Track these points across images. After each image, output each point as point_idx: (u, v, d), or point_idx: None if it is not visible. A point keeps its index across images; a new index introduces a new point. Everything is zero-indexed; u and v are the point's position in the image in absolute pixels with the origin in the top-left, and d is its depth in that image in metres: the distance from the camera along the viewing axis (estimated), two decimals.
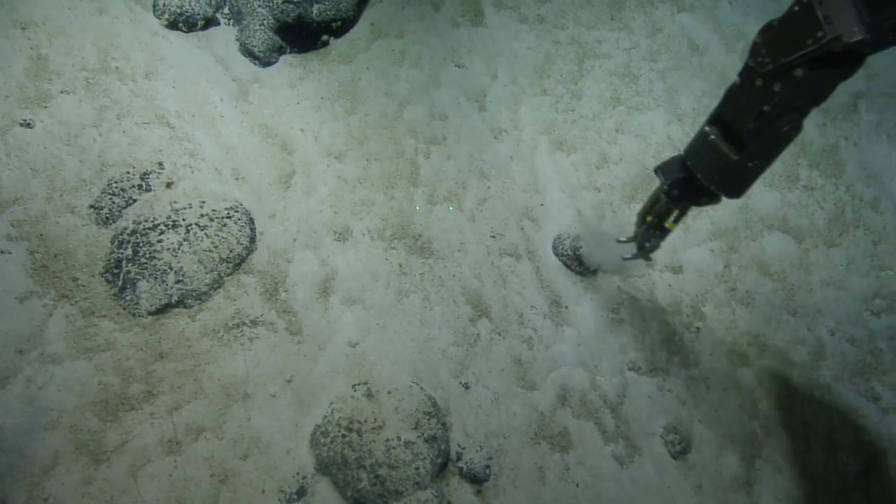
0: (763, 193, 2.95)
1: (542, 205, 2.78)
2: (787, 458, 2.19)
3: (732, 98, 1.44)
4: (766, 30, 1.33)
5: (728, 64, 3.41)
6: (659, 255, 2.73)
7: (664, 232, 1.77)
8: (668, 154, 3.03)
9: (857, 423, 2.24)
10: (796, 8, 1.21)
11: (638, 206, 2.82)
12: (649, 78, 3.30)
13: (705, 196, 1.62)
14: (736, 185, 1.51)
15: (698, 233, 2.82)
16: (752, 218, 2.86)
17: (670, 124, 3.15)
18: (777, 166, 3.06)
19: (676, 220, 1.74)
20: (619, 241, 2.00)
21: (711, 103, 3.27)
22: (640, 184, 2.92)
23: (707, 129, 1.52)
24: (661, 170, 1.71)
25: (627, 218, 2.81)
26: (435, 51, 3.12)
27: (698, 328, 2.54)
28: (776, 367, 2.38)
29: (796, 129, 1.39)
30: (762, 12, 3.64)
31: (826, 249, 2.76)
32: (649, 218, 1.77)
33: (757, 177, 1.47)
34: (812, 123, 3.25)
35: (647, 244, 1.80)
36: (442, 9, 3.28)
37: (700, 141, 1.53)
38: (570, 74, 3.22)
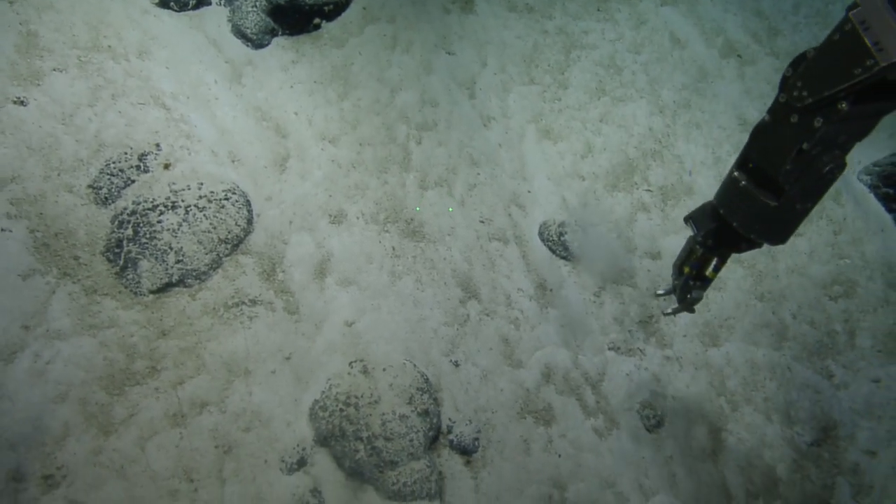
0: None
1: (529, 191, 2.91)
2: (750, 430, 2.40)
3: (762, 138, 1.32)
4: (800, 61, 1.23)
5: (707, 58, 3.57)
6: (639, 242, 2.90)
7: (706, 282, 1.66)
8: (650, 145, 3.20)
9: (812, 398, 2.46)
10: (837, 36, 1.11)
11: (621, 196, 2.98)
12: (633, 70, 3.44)
13: (745, 242, 1.48)
14: (779, 232, 1.38)
15: (676, 221, 2.99)
16: None
17: (652, 116, 3.30)
18: None
19: (717, 269, 1.63)
20: (657, 295, 1.97)
21: (691, 96, 3.44)
22: (621, 173, 3.07)
23: (736, 174, 1.39)
24: (693, 220, 1.58)
25: (610, 206, 2.97)
26: (426, 37, 3.18)
27: (674, 311, 2.72)
28: (743, 347, 2.59)
29: (840, 167, 1.27)
30: (741, 9, 3.80)
31: (793, 238, 2.96)
32: (687, 269, 1.66)
33: (801, 221, 1.36)
34: None
35: (689, 296, 1.71)
36: None
37: (731, 188, 1.41)
38: (557, 64, 3.33)
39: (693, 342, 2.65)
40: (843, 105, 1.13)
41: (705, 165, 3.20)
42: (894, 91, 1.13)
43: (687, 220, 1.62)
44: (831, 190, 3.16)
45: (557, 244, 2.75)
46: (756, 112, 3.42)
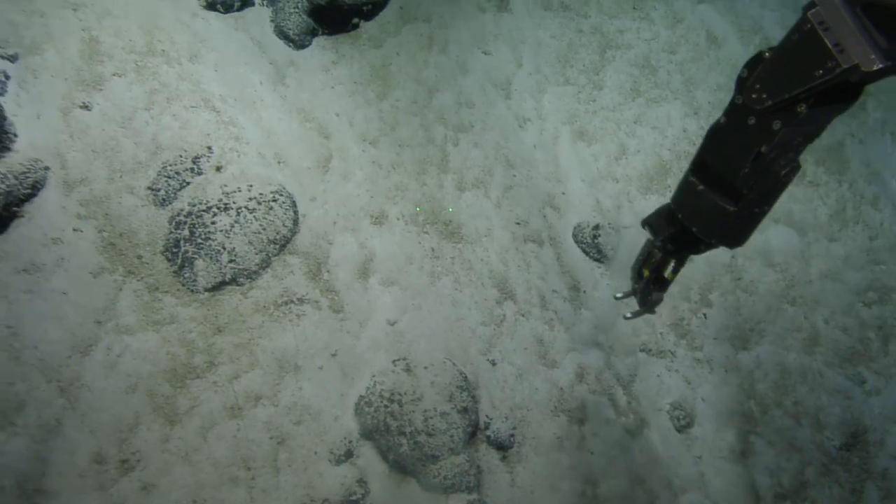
0: None
1: (563, 193, 2.98)
2: (779, 433, 2.47)
3: (718, 141, 1.30)
4: (756, 62, 1.21)
5: (744, 57, 3.54)
6: None
7: (665, 284, 1.65)
8: (684, 147, 3.23)
9: (843, 404, 2.52)
10: (796, 37, 1.08)
11: (655, 199, 3.03)
12: (668, 70, 3.45)
13: (703, 244, 1.45)
14: (737, 235, 1.36)
15: None
16: None
17: (686, 117, 3.32)
18: None
19: (675, 271, 1.61)
20: (616, 298, 1.92)
21: (727, 97, 3.44)
22: (655, 176, 3.12)
23: (692, 178, 1.36)
24: (650, 225, 1.55)
25: (644, 208, 3.02)
26: (462, 36, 3.24)
27: (705, 314, 2.79)
28: (774, 351, 2.64)
29: (796, 169, 1.26)
30: (780, 5, 3.77)
31: (826, 243, 3.00)
32: (646, 272, 1.63)
33: (758, 224, 1.34)
34: None
35: (650, 298, 1.70)
36: None
37: (688, 192, 1.38)
38: (591, 64, 3.36)
39: (723, 345, 2.71)
40: (803, 108, 1.11)
41: None
42: (852, 92, 1.11)
43: (644, 224, 1.58)
44: (868, 194, 3.19)
45: (591, 246, 2.82)
46: None
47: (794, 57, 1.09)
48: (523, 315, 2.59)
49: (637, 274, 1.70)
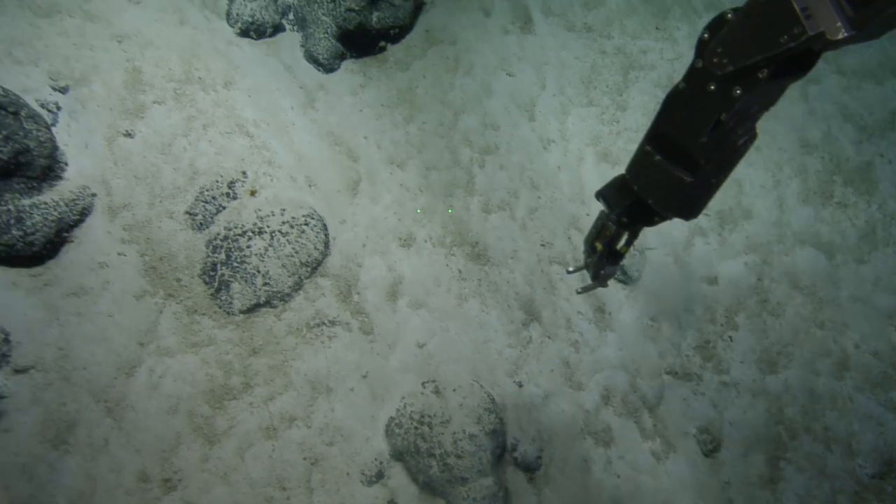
0: (797, 209, 3.19)
1: (587, 215, 3.04)
2: (809, 459, 2.49)
3: (676, 108, 1.25)
4: (718, 24, 1.15)
5: None
6: (696, 267, 3.00)
7: (619, 257, 1.65)
8: None
9: (875, 430, 2.53)
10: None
11: (678, 220, 3.07)
12: None
13: (658, 216, 1.44)
14: (693, 207, 1.34)
15: (733, 246, 3.07)
16: (785, 233, 3.11)
17: None
18: (812, 182, 3.30)
19: (628, 244, 1.60)
20: (568, 272, 1.90)
21: None
22: None
23: (649, 147, 1.33)
24: (604, 197, 1.51)
25: (665, 230, 3.07)
26: (487, 58, 3.33)
27: (731, 337, 2.82)
28: (802, 376, 2.67)
29: (753, 138, 1.25)
30: None
31: (855, 266, 3.01)
32: (600, 246, 1.61)
33: (713, 195, 1.32)
34: (848, 140, 3.47)
35: (602, 272, 1.68)
36: (493, 15, 3.48)
37: (644, 163, 1.35)
38: (615, 85, 3.43)
39: (751, 368, 2.74)
40: (765, 73, 1.06)
41: (765, 189, 3.26)
42: (810, 60, 1.07)
43: (598, 196, 1.54)
44: None
45: None
46: (819, 133, 3.46)
47: (758, 20, 1.05)
48: (549, 337, 2.65)
49: (590, 247, 1.67)
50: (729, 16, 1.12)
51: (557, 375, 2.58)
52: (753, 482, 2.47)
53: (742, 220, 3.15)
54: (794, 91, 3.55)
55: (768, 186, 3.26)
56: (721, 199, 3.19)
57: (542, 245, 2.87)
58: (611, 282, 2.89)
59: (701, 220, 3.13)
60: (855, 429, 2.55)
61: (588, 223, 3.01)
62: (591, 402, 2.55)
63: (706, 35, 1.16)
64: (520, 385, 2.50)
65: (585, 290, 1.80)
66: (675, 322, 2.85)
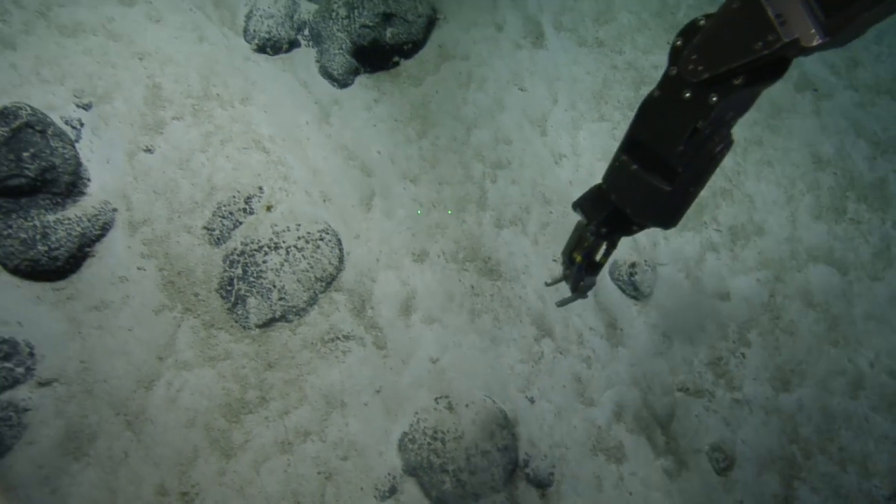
0: (810, 225, 3.21)
1: None
2: (824, 480, 2.50)
3: (651, 115, 1.25)
4: (691, 30, 1.15)
5: (781, 92, 3.64)
6: (708, 283, 3.02)
7: (597, 268, 1.64)
8: (720, 184, 3.31)
9: (891, 451, 2.53)
10: (736, 5, 1.04)
11: (690, 236, 3.10)
12: None
13: (637, 225, 1.45)
14: (671, 216, 1.33)
15: (745, 262, 3.09)
16: (798, 249, 3.13)
17: None
18: (825, 198, 3.32)
19: (607, 254, 1.61)
20: (546, 285, 1.91)
21: (763, 133, 3.52)
22: (691, 212, 3.19)
23: (625, 157, 1.33)
24: (582, 207, 1.51)
25: (680, 245, 3.10)
26: (499, 73, 3.39)
27: (743, 354, 2.84)
28: (816, 394, 2.68)
29: (729, 145, 1.24)
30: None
31: (870, 283, 3.02)
32: (578, 257, 1.60)
33: (692, 203, 1.32)
34: (862, 156, 3.49)
35: (582, 283, 1.67)
36: (505, 30, 3.54)
37: (621, 172, 1.34)
38: (626, 100, 3.48)
39: (763, 386, 2.76)
40: (740, 80, 1.07)
41: (777, 204, 3.29)
42: (783, 66, 1.07)
43: (576, 207, 1.53)
44: None
45: (628, 284, 2.90)
46: (832, 149, 3.48)
47: (733, 26, 1.05)
48: (561, 352, 2.68)
49: (568, 259, 1.66)
50: (702, 22, 1.13)
51: (569, 391, 2.60)
52: (767, 502, 2.48)
53: (754, 236, 3.17)
54: (806, 106, 3.58)
55: (781, 202, 3.28)
56: (733, 215, 3.22)
57: (554, 260, 2.90)
58: (622, 297, 2.93)
59: (713, 235, 3.16)
60: (871, 449, 2.55)
61: None
62: (602, 419, 2.58)
63: (679, 42, 1.17)
64: (532, 401, 2.53)
65: (565, 302, 1.79)
66: (687, 338, 2.87)
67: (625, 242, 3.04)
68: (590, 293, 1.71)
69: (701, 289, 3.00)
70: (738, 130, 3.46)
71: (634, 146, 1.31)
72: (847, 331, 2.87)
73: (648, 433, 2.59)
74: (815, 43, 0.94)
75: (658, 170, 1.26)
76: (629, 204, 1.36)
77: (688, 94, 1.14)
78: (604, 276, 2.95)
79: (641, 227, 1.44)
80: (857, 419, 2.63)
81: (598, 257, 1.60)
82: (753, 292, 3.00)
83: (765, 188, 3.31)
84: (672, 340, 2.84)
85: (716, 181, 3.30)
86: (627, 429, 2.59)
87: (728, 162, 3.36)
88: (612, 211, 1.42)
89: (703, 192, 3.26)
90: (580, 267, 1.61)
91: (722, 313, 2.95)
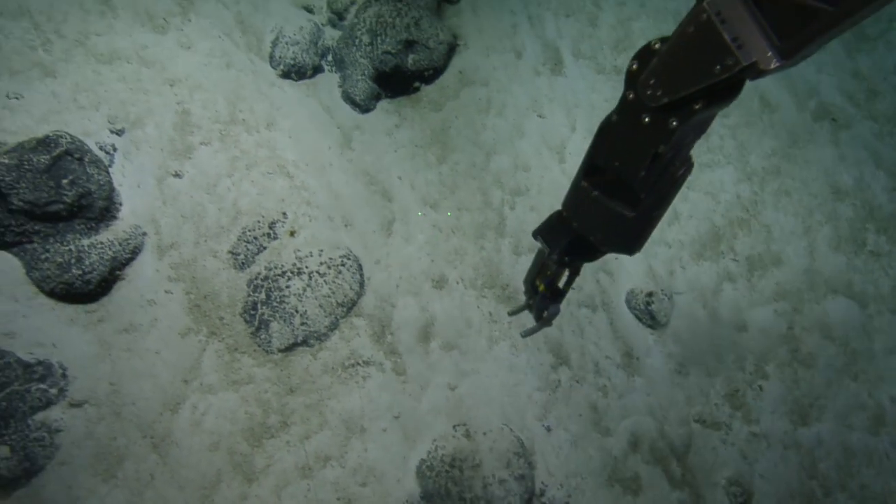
0: (829, 257, 3.26)
1: (616, 258, 3.13)
2: None
3: (610, 140, 1.24)
4: (646, 54, 1.14)
5: (799, 122, 3.71)
6: (725, 313, 3.07)
7: (560, 295, 1.63)
8: (737, 213, 3.37)
9: None
10: (691, 29, 1.02)
11: (707, 265, 3.16)
12: (720, 134, 3.62)
13: (600, 252, 1.45)
14: (634, 241, 1.32)
15: (763, 293, 3.14)
16: (816, 281, 3.18)
17: (740, 182, 3.46)
18: (844, 229, 3.37)
19: (570, 282, 1.59)
20: (509, 314, 1.92)
21: (781, 162, 3.58)
22: (708, 242, 3.25)
23: (585, 183, 1.32)
24: (543, 236, 1.50)
25: (696, 274, 3.15)
26: (518, 100, 3.48)
27: (761, 386, 2.87)
28: (836, 429, 2.70)
29: (690, 168, 1.24)
30: (837, 69, 3.92)
31: (890, 316, 3.06)
32: (542, 286, 1.60)
33: (655, 227, 1.32)
34: (881, 187, 3.54)
35: (546, 312, 1.67)
36: (524, 56, 3.64)
37: (581, 199, 1.34)
38: None
39: (782, 420, 2.79)
40: (699, 105, 1.06)
41: (795, 235, 3.34)
42: (738, 87, 1.07)
43: (536, 235, 1.52)
44: None
45: (644, 313, 2.96)
46: (851, 179, 3.53)
47: (690, 50, 1.04)
48: (578, 381, 2.73)
49: (531, 287, 1.64)
50: (657, 46, 1.12)
51: (586, 420, 2.65)
52: None
53: (772, 267, 3.22)
54: (824, 136, 3.64)
55: (798, 233, 3.33)
56: (750, 245, 3.27)
57: (572, 288, 2.96)
58: (639, 326, 2.98)
59: (730, 265, 3.21)
60: (893, 487, 2.57)
61: (616, 267, 3.11)
62: (619, 449, 2.62)
63: (635, 66, 1.15)
64: (548, 429, 2.57)
65: (530, 332, 1.77)
66: (704, 369, 2.91)
67: (641, 272, 3.10)
68: (555, 322, 1.71)
69: (718, 319, 3.05)
70: (756, 159, 3.52)
71: (594, 171, 1.30)
72: (867, 365, 2.90)
73: (665, 465, 2.63)
74: (772, 66, 0.95)
75: (620, 196, 1.25)
76: (592, 231, 1.36)
77: (647, 119, 1.14)
78: (620, 304, 3.01)
79: (604, 254, 1.46)
80: (879, 456, 2.66)
81: (560, 284, 1.59)
82: (771, 324, 3.04)
83: (782, 218, 3.37)
84: (688, 371, 2.89)
85: (732, 210, 3.36)
86: (644, 459, 2.62)
87: (745, 191, 3.43)
88: (574, 238, 1.42)
89: (720, 221, 3.32)
90: (543, 296, 1.62)
91: (739, 344, 2.99)
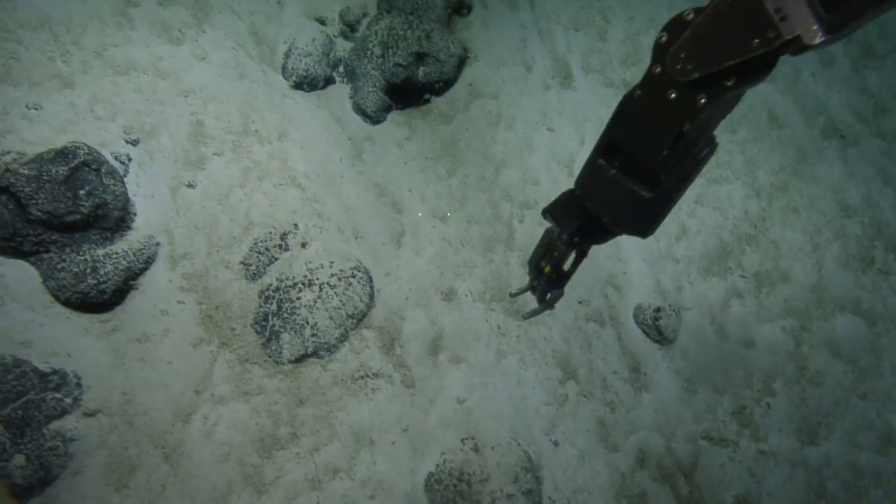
0: (837, 274, 3.29)
1: (624, 273, 3.17)
2: None
3: (632, 117, 1.18)
4: (677, 25, 1.07)
5: (807, 138, 3.75)
6: (733, 329, 3.10)
7: (565, 278, 1.61)
8: (745, 229, 3.40)
9: None
10: None
11: (715, 281, 3.19)
12: (729, 149, 3.66)
13: (610, 233, 1.41)
14: (650, 224, 1.27)
15: (770, 309, 3.17)
16: (824, 298, 3.21)
17: (748, 198, 3.50)
18: (852, 247, 3.40)
19: (576, 264, 1.57)
20: (511, 296, 1.87)
21: (789, 179, 3.62)
22: (716, 258, 3.28)
23: (602, 161, 1.27)
24: (553, 215, 1.46)
25: (704, 291, 3.18)
26: (528, 113, 3.53)
27: (768, 404, 2.90)
28: (844, 449, 2.73)
29: (713, 149, 1.18)
30: (845, 86, 3.97)
31: None
32: (547, 267, 1.56)
33: (671, 210, 1.26)
34: (889, 204, 3.58)
35: (549, 294, 1.65)
36: (534, 70, 3.69)
37: (597, 177, 1.28)
38: None
39: (789, 437, 2.81)
40: (732, 81, 1.01)
41: (803, 252, 3.37)
42: (772, 63, 1.01)
43: (545, 213, 1.48)
44: None
45: (652, 328, 2.99)
46: (860, 197, 3.57)
47: (726, 22, 0.98)
48: (585, 396, 2.76)
49: (536, 269, 1.60)
50: (690, 17, 1.06)
51: (593, 435, 2.68)
52: None
53: (780, 283, 3.25)
54: (833, 153, 3.69)
55: (806, 249, 3.37)
56: (758, 261, 3.31)
57: (580, 302, 3.00)
58: (646, 341, 3.01)
59: (738, 281, 3.24)
60: None
61: (625, 282, 3.15)
62: (626, 465, 2.64)
63: (664, 38, 1.09)
64: (556, 444, 2.60)
65: (532, 314, 1.76)
66: (711, 385, 2.94)
67: (649, 287, 3.14)
68: (557, 305, 1.71)
69: (725, 335, 3.08)
70: (764, 175, 3.57)
71: (612, 149, 1.25)
72: (875, 384, 2.93)
73: (672, 482, 2.65)
74: (817, 41, 0.88)
75: (638, 175, 1.20)
76: (606, 211, 1.30)
77: (673, 95, 1.08)
78: (628, 319, 3.04)
79: (614, 235, 1.41)
80: (888, 476, 2.68)
81: (566, 267, 1.55)
82: (779, 341, 3.07)
83: (790, 235, 3.40)
84: (696, 387, 2.91)
85: (740, 226, 3.39)
86: (651, 476, 2.65)
87: (753, 207, 3.47)
88: (586, 218, 1.38)
89: (728, 237, 3.36)
90: (549, 277, 1.58)
91: (746, 361, 3.02)
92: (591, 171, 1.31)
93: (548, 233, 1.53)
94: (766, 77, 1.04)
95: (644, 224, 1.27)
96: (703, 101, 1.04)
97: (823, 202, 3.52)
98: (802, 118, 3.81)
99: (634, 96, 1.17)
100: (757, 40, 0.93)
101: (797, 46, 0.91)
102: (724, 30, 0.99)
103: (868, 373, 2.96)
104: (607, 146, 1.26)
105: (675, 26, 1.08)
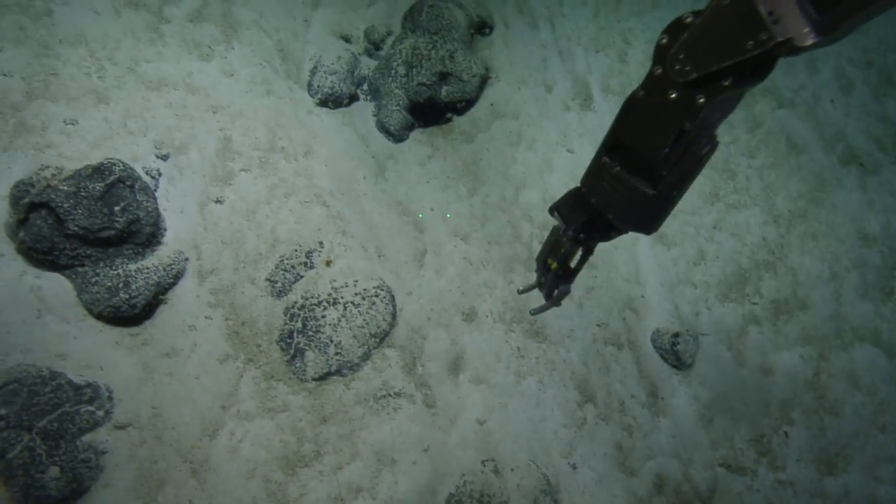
0: (856, 303, 3.36)
1: (642, 296, 3.25)
2: None
3: (635, 116, 1.26)
4: (677, 28, 1.14)
5: (826, 165, 3.84)
6: (750, 356, 3.17)
7: (572, 275, 1.65)
8: (763, 256, 3.48)
9: None
10: (725, 2, 1.03)
11: (733, 307, 3.26)
12: (747, 175, 3.76)
13: (615, 231, 1.48)
14: (653, 221, 1.34)
15: (788, 337, 3.24)
16: (843, 328, 3.28)
17: (766, 225, 3.59)
18: (871, 276, 3.48)
19: (583, 260, 1.62)
20: (519, 292, 1.95)
21: (808, 206, 3.71)
22: (734, 283, 3.36)
23: (606, 160, 1.34)
24: (559, 212, 1.53)
25: (721, 316, 3.26)
26: (548, 134, 3.63)
27: (786, 433, 2.96)
28: (863, 481, 2.78)
29: (714, 147, 1.24)
30: (864, 113, 4.07)
31: None
32: (554, 264, 1.62)
33: (673, 208, 1.32)
34: None
35: (556, 291, 1.69)
36: (554, 90, 3.80)
37: (602, 175, 1.36)
38: None
39: (808, 468, 2.87)
40: (729, 81, 1.08)
41: (821, 280, 3.45)
42: (770, 65, 1.07)
43: (552, 211, 1.55)
44: None
45: (670, 353, 3.06)
46: (879, 226, 3.65)
47: (722, 25, 1.04)
48: (603, 419, 2.82)
49: (543, 266, 1.66)
50: (689, 19, 1.13)
51: (610, 459, 2.74)
52: None
53: (798, 311, 3.33)
54: (852, 181, 3.77)
55: (825, 277, 3.44)
56: (776, 288, 3.38)
57: (598, 325, 3.07)
58: (664, 366, 3.08)
59: (755, 308, 3.31)
60: None
61: (643, 305, 3.22)
62: (643, 490, 2.70)
63: (665, 40, 1.17)
64: (574, 467, 2.66)
65: (539, 310, 1.82)
66: (729, 412, 3.00)
67: (667, 311, 3.21)
68: (564, 302, 1.78)
69: (743, 362, 3.15)
70: (782, 202, 3.65)
71: (616, 147, 1.33)
72: (895, 416, 2.99)
73: None
74: (808, 42, 0.94)
75: (641, 172, 1.27)
76: (610, 208, 1.38)
77: (674, 95, 1.15)
78: (645, 342, 3.11)
79: (620, 233, 1.49)
80: None
81: (573, 264, 1.62)
82: (797, 369, 3.14)
83: (809, 262, 3.48)
84: (713, 413, 2.98)
85: (758, 252, 3.47)
86: (668, 502, 2.70)
87: (771, 233, 3.55)
88: (592, 215, 1.45)
89: (746, 263, 3.44)
90: (555, 274, 1.64)
91: (764, 389, 3.08)
92: (596, 169, 1.39)
93: (555, 230, 1.61)
94: (765, 78, 1.10)
95: (647, 221, 1.35)
96: (701, 100, 1.12)
97: (842, 230, 3.60)
98: (821, 145, 3.90)
99: (638, 96, 1.25)
100: (751, 42, 0.99)
101: (790, 48, 0.97)
102: (720, 32, 1.06)
103: (888, 404, 3.02)
104: (612, 144, 1.34)
105: (675, 28, 1.15)
